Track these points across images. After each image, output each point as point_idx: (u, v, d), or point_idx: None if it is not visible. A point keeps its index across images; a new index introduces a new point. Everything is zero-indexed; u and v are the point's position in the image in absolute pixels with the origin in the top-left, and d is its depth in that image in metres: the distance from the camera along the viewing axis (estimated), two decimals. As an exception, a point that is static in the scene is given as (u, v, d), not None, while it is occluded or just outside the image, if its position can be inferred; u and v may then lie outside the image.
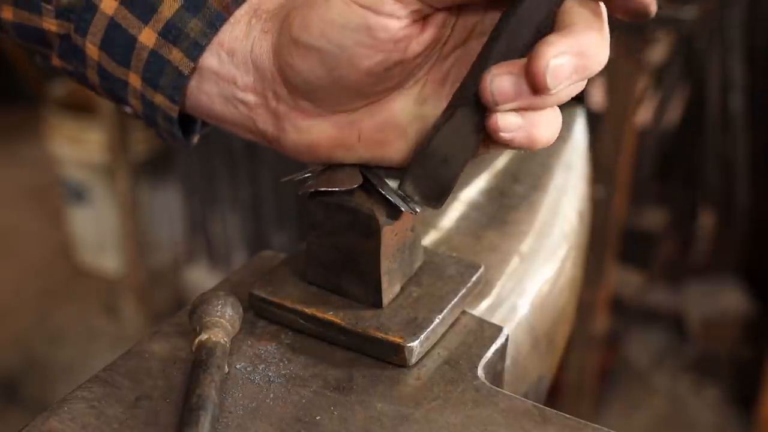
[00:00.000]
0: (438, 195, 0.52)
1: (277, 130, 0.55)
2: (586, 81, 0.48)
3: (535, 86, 0.45)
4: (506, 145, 0.48)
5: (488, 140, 0.50)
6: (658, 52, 2.01)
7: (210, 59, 0.54)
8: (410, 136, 0.53)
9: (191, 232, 2.50)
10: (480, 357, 0.56)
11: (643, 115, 2.17)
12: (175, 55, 0.53)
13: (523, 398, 0.53)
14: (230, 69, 0.54)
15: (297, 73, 0.51)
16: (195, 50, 0.53)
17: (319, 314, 0.56)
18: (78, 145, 2.58)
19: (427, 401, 0.52)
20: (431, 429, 0.50)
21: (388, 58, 0.49)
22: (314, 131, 0.54)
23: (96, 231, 2.70)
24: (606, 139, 1.72)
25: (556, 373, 0.78)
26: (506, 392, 0.53)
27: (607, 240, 1.80)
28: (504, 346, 0.58)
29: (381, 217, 0.54)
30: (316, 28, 0.49)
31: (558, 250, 0.73)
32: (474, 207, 0.73)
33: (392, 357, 0.54)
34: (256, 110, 0.55)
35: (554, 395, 1.91)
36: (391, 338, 0.54)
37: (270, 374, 0.53)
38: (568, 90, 0.47)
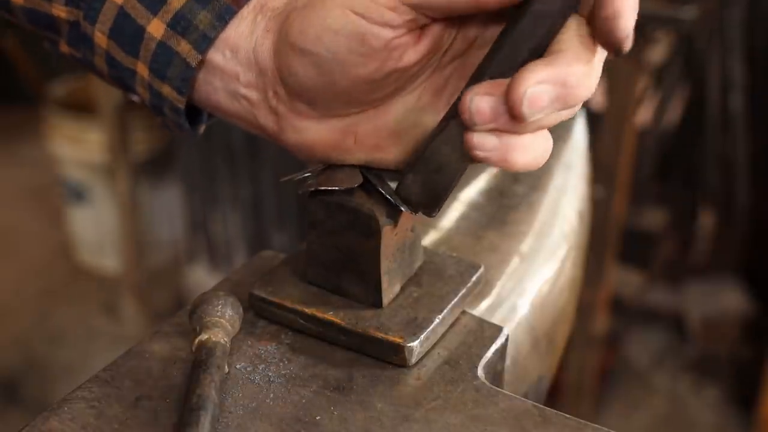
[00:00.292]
0: (432, 202, 0.52)
1: (277, 127, 0.55)
2: (573, 109, 0.46)
3: (512, 112, 0.44)
4: (485, 162, 0.48)
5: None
6: (658, 52, 2.02)
7: (215, 55, 0.54)
8: (406, 142, 0.53)
9: (191, 231, 2.50)
10: (480, 357, 0.56)
11: (643, 115, 2.17)
12: (183, 47, 0.53)
13: (523, 398, 0.53)
14: (234, 65, 0.54)
15: (293, 76, 0.52)
16: (203, 43, 0.53)
17: (319, 314, 0.56)
18: (78, 145, 2.58)
19: (427, 401, 0.52)
20: (431, 429, 0.50)
21: (381, 66, 0.49)
22: (311, 132, 0.54)
23: (96, 231, 2.70)
24: (606, 139, 1.72)
25: (556, 373, 0.78)
26: (506, 392, 0.53)
27: (607, 240, 1.80)
28: (504, 346, 0.58)
29: (381, 217, 0.54)
30: (313, 33, 0.49)
31: (558, 250, 0.73)
32: (474, 207, 0.73)
33: (392, 357, 0.54)
34: (258, 107, 0.55)
35: (554, 395, 1.91)
36: (391, 338, 0.54)
37: (270, 374, 0.53)
38: (549, 118, 0.46)
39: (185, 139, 2.36)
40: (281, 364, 0.54)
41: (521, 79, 0.43)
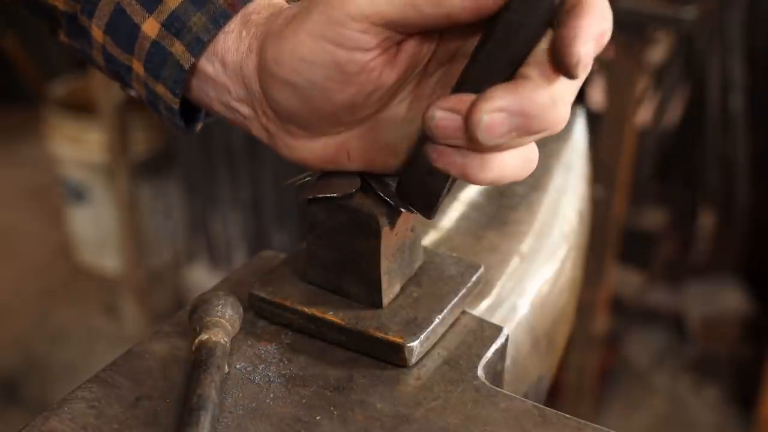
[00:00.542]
0: (428, 205, 0.52)
1: (270, 142, 0.55)
2: (541, 134, 0.45)
3: (468, 136, 0.43)
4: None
5: None
6: (658, 52, 2.02)
7: (206, 65, 0.54)
8: (400, 153, 0.53)
9: (191, 231, 2.50)
10: (480, 357, 0.56)
11: (643, 115, 2.17)
12: (177, 48, 0.53)
13: (523, 398, 0.53)
14: (224, 79, 0.54)
15: (276, 102, 0.51)
16: (197, 46, 0.53)
17: (319, 314, 0.56)
18: (78, 145, 2.58)
19: (427, 401, 0.52)
20: (431, 429, 0.50)
21: (362, 89, 0.49)
22: (303, 151, 0.54)
23: (96, 231, 2.70)
24: (606, 139, 1.72)
25: (556, 373, 0.78)
26: (506, 392, 0.53)
27: (607, 240, 1.80)
28: (504, 346, 0.58)
29: (381, 217, 0.54)
30: (287, 63, 0.49)
31: (558, 251, 0.73)
32: (474, 207, 0.73)
33: (392, 357, 0.54)
34: (250, 121, 0.55)
35: (554, 395, 1.91)
36: (391, 338, 0.54)
37: (270, 374, 0.53)
38: (513, 142, 0.44)
39: (184, 136, 2.37)
40: (281, 364, 0.54)
41: (479, 105, 0.42)
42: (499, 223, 0.72)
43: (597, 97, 1.89)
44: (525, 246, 0.70)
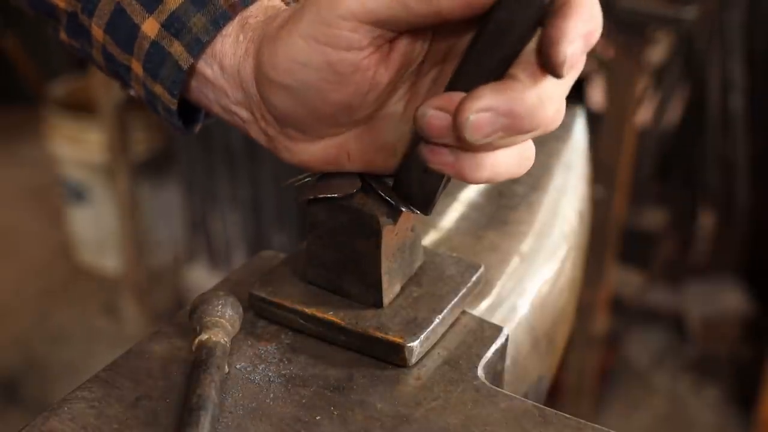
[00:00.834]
0: (424, 202, 0.52)
1: (269, 146, 0.55)
2: (531, 134, 0.45)
3: (456, 134, 0.43)
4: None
5: None
6: (658, 52, 2.02)
7: (205, 68, 0.54)
8: (400, 153, 0.53)
9: (191, 231, 2.50)
10: (480, 357, 0.56)
11: (643, 115, 2.17)
12: (176, 49, 0.53)
13: (523, 398, 0.53)
14: (222, 82, 0.54)
15: (273, 106, 0.51)
16: (196, 46, 0.53)
17: (319, 314, 0.56)
18: (78, 145, 2.58)
19: (427, 401, 0.52)
20: (431, 429, 0.50)
21: (357, 89, 0.49)
22: (304, 153, 0.54)
23: (96, 231, 2.70)
24: (606, 139, 1.72)
25: (556, 373, 0.78)
26: (506, 392, 0.53)
27: (607, 240, 1.80)
28: (504, 346, 0.58)
29: (381, 217, 0.54)
30: (282, 66, 0.49)
31: (558, 251, 0.73)
32: (474, 207, 0.73)
33: (392, 357, 0.54)
34: (249, 124, 0.55)
35: (554, 395, 1.91)
36: (391, 338, 0.54)
37: (270, 374, 0.53)
38: (503, 142, 0.44)
39: (183, 136, 2.36)
40: (281, 364, 0.54)
41: (466, 104, 0.42)
42: (499, 223, 0.72)
43: (597, 97, 1.89)
44: (525, 246, 0.70)
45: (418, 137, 0.50)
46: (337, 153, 0.54)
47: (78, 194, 2.68)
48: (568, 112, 0.86)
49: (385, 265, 0.55)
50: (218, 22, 0.53)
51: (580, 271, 0.81)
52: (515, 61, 0.44)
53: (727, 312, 2.40)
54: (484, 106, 0.42)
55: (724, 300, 2.43)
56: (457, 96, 0.44)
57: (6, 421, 2.22)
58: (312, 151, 0.54)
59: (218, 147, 2.28)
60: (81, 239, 2.77)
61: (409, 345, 0.54)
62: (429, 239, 0.68)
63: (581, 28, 0.41)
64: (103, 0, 0.55)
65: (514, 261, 0.68)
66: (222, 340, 0.52)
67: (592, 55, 1.93)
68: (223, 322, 0.53)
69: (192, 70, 0.54)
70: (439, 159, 0.46)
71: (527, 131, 0.44)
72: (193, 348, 0.52)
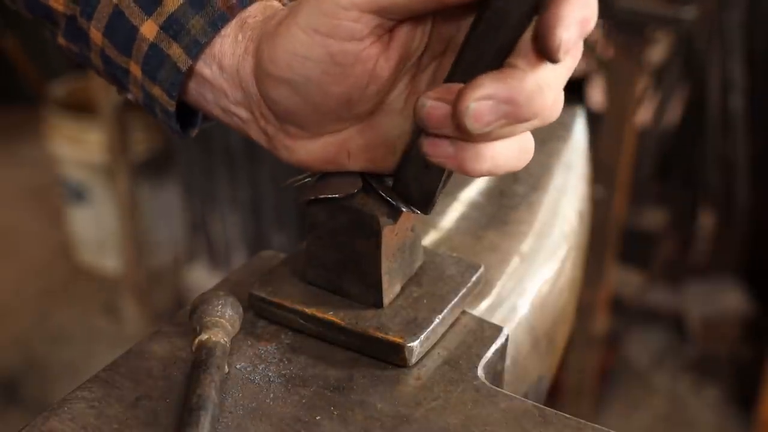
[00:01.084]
0: (424, 200, 0.52)
1: (269, 145, 0.55)
2: (533, 123, 0.45)
3: (457, 124, 0.43)
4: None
5: None
6: (658, 52, 2.02)
7: (204, 68, 0.54)
8: (399, 149, 0.53)
9: (191, 232, 2.50)
10: (480, 357, 0.56)
11: (643, 115, 2.17)
12: (175, 51, 0.53)
13: (523, 398, 0.53)
14: (221, 82, 0.54)
15: (274, 102, 0.51)
16: (194, 48, 0.53)
17: (319, 314, 0.56)
18: (78, 145, 2.58)
19: (427, 401, 0.52)
20: (431, 429, 0.50)
21: (357, 81, 0.49)
22: (303, 152, 0.54)
23: (96, 231, 2.70)
24: (606, 139, 1.72)
25: (556, 373, 0.78)
26: (506, 392, 0.53)
27: (607, 240, 1.80)
28: (504, 346, 0.58)
29: (382, 217, 0.54)
30: (282, 60, 0.49)
31: (558, 251, 0.73)
32: (474, 207, 0.73)
33: (392, 357, 0.54)
34: (248, 124, 0.55)
35: (554, 395, 1.91)
36: (391, 338, 0.54)
37: (270, 374, 0.53)
38: (504, 131, 0.44)
39: (181, 139, 2.36)
40: (281, 364, 0.54)
41: (466, 93, 0.43)
42: (500, 223, 0.72)
43: (597, 97, 1.89)
44: (525, 246, 0.70)
45: (416, 135, 0.50)
46: (337, 151, 0.54)
47: (78, 194, 2.68)
48: (568, 112, 0.87)
49: (385, 265, 0.55)
50: (216, 24, 0.53)
51: (580, 271, 0.81)
52: (514, 50, 0.44)
53: (727, 312, 2.40)
54: (484, 95, 0.42)
55: (724, 300, 2.43)
56: (457, 86, 0.44)
57: (6, 421, 2.22)
58: (312, 150, 0.54)
59: (218, 148, 2.28)
60: (81, 239, 2.77)
61: (409, 345, 0.54)
62: (429, 239, 0.68)
63: (577, 14, 0.42)
64: (101, 3, 0.55)
65: (514, 261, 0.68)
66: (222, 340, 0.52)
67: (591, 55, 1.94)
68: (223, 322, 0.53)
69: (191, 73, 0.54)
70: (440, 151, 0.46)
71: (527, 119, 0.44)
72: (193, 348, 0.52)
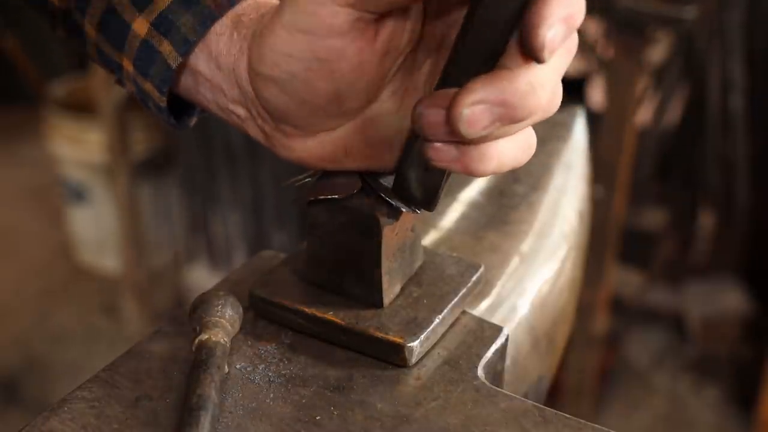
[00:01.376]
0: (427, 200, 0.52)
1: (267, 143, 0.55)
2: (529, 121, 0.45)
3: (452, 129, 0.43)
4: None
5: None
6: (658, 52, 2.02)
7: (202, 65, 0.54)
8: (396, 146, 0.52)
9: (191, 231, 2.50)
10: (480, 357, 0.56)
11: (643, 115, 2.17)
12: (166, 48, 0.54)
13: (523, 398, 0.53)
14: (219, 80, 0.54)
15: (265, 101, 0.52)
16: (184, 46, 0.53)
17: (319, 314, 0.56)
18: (78, 145, 2.58)
19: (427, 401, 0.52)
20: (431, 429, 0.50)
21: (344, 76, 0.49)
22: (300, 149, 0.54)
23: (96, 231, 2.70)
24: (606, 139, 1.72)
25: (556, 373, 0.78)
26: (506, 392, 0.53)
27: (607, 240, 1.80)
28: (504, 346, 0.58)
29: (382, 217, 0.54)
30: (268, 59, 0.49)
31: (558, 251, 0.73)
32: (474, 207, 0.73)
33: (392, 357, 0.54)
34: (246, 122, 0.55)
35: (554, 395, 1.91)
36: (391, 338, 0.54)
37: (270, 374, 0.53)
38: (500, 132, 0.44)
39: (184, 136, 2.37)
40: (281, 364, 0.54)
41: (458, 99, 0.42)
42: (500, 223, 0.72)
43: (597, 97, 1.89)
44: (525, 246, 0.70)
45: (414, 136, 0.50)
46: (333, 149, 0.54)
47: (78, 194, 2.68)
48: (568, 112, 0.87)
49: (385, 265, 0.55)
50: (206, 23, 0.53)
51: (580, 271, 0.81)
52: (505, 51, 0.44)
53: (727, 312, 2.40)
54: (476, 99, 0.42)
55: (724, 300, 2.43)
56: (452, 92, 0.44)
57: (6, 421, 2.22)
58: (309, 147, 0.54)
59: (218, 147, 2.28)
60: (81, 239, 2.77)
61: (409, 345, 0.54)
62: (429, 239, 0.68)
63: (561, 12, 0.41)
64: None
65: (514, 261, 0.68)
66: (222, 340, 0.52)
67: (591, 55, 1.93)
68: (223, 322, 0.53)
69: (182, 69, 0.54)
70: (444, 156, 0.45)
71: (523, 119, 0.44)
72: (193, 348, 0.52)
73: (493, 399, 0.52)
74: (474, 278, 0.59)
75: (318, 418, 0.50)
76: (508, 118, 0.43)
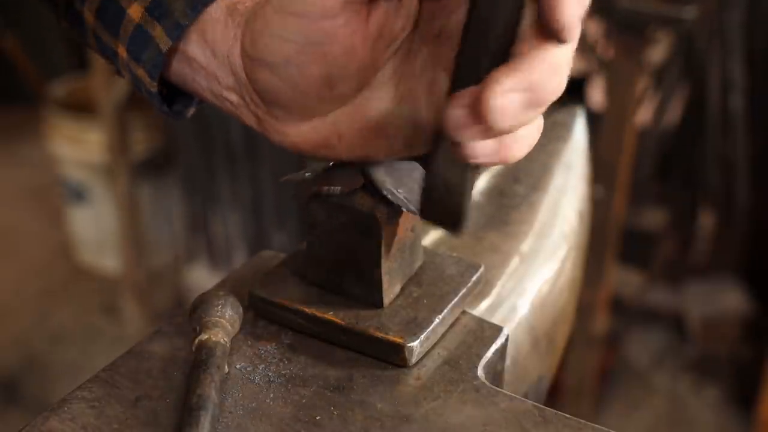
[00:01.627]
0: (453, 222, 0.51)
1: (260, 128, 0.55)
2: (549, 102, 0.46)
3: (486, 125, 0.44)
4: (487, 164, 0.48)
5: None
6: (658, 52, 2.02)
7: (197, 51, 0.54)
8: (391, 134, 0.52)
9: (191, 231, 2.50)
10: (480, 357, 0.56)
11: (643, 115, 2.17)
12: (158, 32, 0.54)
13: (523, 398, 0.53)
14: (214, 67, 0.54)
15: (257, 85, 0.52)
16: (176, 30, 0.53)
17: (319, 314, 0.56)
18: (78, 145, 2.58)
19: (427, 401, 0.52)
20: (431, 429, 0.50)
21: (336, 59, 0.49)
22: (293, 135, 0.54)
23: (96, 231, 2.70)
24: (606, 139, 1.72)
25: (556, 373, 0.78)
26: (506, 392, 0.53)
27: (607, 240, 1.80)
28: (504, 346, 0.58)
29: (382, 217, 0.54)
30: (260, 43, 0.50)
31: (558, 251, 0.73)
32: (474, 207, 0.73)
33: (392, 357, 0.54)
34: (240, 109, 0.55)
35: (554, 395, 1.91)
36: (391, 338, 0.54)
37: (270, 374, 0.53)
38: (527, 118, 0.45)
39: (183, 135, 2.37)
40: (281, 364, 0.54)
41: (486, 93, 0.43)
42: (500, 223, 0.72)
43: (597, 97, 1.89)
44: (525, 246, 0.70)
45: (429, 159, 0.49)
46: (327, 135, 0.53)
47: (78, 194, 2.68)
48: (568, 112, 0.87)
49: (385, 265, 0.55)
50: (197, 7, 0.53)
51: (580, 271, 0.81)
52: (517, 39, 0.44)
53: (727, 312, 2.40)
54: (507, 88, 0.43)
55: (724, 300, 2.43)
56: (471, 90, 0.44)
57: (6, 421, 2.22)
58: (302, 133, 0.54)
59: (218, 147, 2.28)
60: (81, 239, 2.77)
61: (409, 345, 0.54)
62: (429, 239, 0.68)
63: None
64: None
65: (514, 261, 0.68)
66: (222, 340, 0.52)
67: (592, 55, 1.93)
68: (223, 322, 0.53)
69: (175, 54, 0.55)
70: (482, 152, 0.46)
71: (546, 102, 0.45)
72: (193, 348, 0.52)
73: (493, 399, 0.52)
74: (474, 278, 0.59)
75: (318, 418, 0.50)
76: (535, 102, 0.44)
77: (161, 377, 0.52)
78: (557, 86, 0.45)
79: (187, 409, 0.48)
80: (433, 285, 0.58)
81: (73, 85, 2.79)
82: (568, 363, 1.90)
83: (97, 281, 2.73)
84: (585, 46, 1.92)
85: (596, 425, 0.50)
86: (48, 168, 2.85)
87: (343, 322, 0.55)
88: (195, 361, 0.51)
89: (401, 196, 0.54)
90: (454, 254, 0.62)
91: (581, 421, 0.51)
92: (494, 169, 0.77)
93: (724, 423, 2.25)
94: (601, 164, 1.65)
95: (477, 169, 0.50)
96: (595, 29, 2.01)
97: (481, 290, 0.62)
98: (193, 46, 0.54)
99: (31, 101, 3.15)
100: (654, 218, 2.40)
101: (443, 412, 0.51)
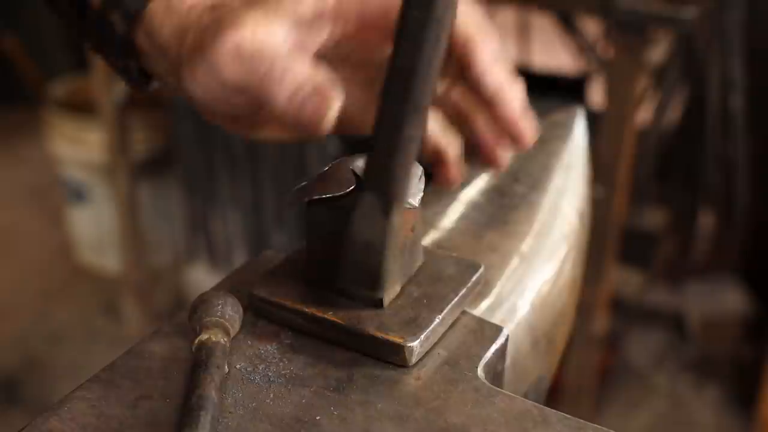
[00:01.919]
0: (372, 284, 0.53)
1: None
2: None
3: (514, 136, 0.56)
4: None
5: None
6: (658, 52, 2.02)
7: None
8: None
9: (191, 231, 2.50)
10: (480, 357, 0.56)
11: (643, 115, 2.17)
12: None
13: (523, 398, 0.53)
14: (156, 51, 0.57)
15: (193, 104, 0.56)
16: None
17: (319, 314, 0.56)
18: (78, 145, 2.58)
19: (427, 401, 0.52)
20: (431, 429, 0.50)
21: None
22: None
23: (96, 231, 2.70)
24: (606, 139, 1.72)
25: (556, 373, 0.78)
26: (506, 392, 0.53)
27: (607, 240, 1.80)
28: (504, 346, 0.58)
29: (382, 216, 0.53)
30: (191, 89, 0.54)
31: (558, 251, 0.73)
32: (474, 207, 0.73)
33: (392, 357, 0.54)
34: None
35: (554, 395, 1.91)
36: (391, 338, 0.54)
37: (270, 374, 0.53)
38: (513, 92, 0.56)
39: (183, 135, 2.36)
40: (281, 364, 0.54)
41: (519, 125, 0.56)
42: (499, 223, 0.72)
43: (597, 97, 1.89)
44: (525, 246, 0.70)
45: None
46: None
47: (78, 194, 2.68)
48: (568, 112, 0.87)
49: (385, 265, 0.55)
50: None
51: (580, 271, 0.81)
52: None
53: (727, 312, 2.40)
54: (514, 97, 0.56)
55: (724, 300, 2.43)
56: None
57: (6, 421, 2.22)
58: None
59: (218, 147, 2.28)
60: (81, 239, 2.77)
61: (409, 345, 0.54)
62: (429, 239, 0.68)
63: (489, 54, 0.53)
64: None
65: (514, 261, 0.68)
66: (222, 340, 0.52)
67: (591, 55, 1.93)
68: (223, 322, 0.53)
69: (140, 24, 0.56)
70: (505, 158, 0.58)
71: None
72: (193, 348, 0.52)
73: (493, 399, 0.52)
74: (474, 278, 0.59)
75: (318, 418, 0.50)
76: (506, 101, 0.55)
77: (161, 377, 0.52)
78: (502, 75, 0.56)
79: (187, 409, 0.48)
80: (433, 285, 0.58)
81: (73, 85, 2.79)
82: (568, 363, 1.90)
83: (97, 281, 2.73)
84: (585, 46, 1.92)
85: (596, 425, 0.50)
86: (48, 168, 2.85)
87: (343, 322, 0.55)
88: (195, 361, 0.51)
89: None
90: (454, 254, 0.62)
91: (581, 421, 0.51)
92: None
93: (724, 423, 2.25)
94: (601, 164, 1.65)
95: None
96: (595, 29, 2.01)
97: (481, 290, 0.62)
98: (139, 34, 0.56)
99: (31, 101, 3.15)
100: (654, 218, 2.40)
101: (443, 412, 0.51)
